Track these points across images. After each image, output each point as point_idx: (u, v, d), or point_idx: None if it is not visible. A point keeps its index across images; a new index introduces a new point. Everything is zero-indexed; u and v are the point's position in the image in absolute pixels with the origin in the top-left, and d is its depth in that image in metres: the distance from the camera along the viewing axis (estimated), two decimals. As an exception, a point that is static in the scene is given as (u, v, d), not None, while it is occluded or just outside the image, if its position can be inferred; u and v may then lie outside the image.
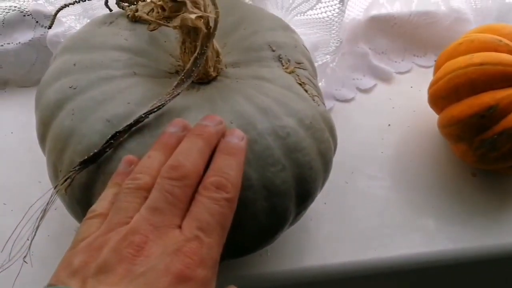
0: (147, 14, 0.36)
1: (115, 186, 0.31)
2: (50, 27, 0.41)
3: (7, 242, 0.34)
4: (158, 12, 0.35)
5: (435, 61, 0.63)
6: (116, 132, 0.33)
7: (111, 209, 0.30)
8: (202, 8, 0.35)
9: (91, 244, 0.28)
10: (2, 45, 0.55)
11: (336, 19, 0.49)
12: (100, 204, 0.31)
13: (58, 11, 0.41)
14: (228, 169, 0.31)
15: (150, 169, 0.31)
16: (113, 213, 0.29)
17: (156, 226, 0.28)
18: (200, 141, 0.32)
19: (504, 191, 0.52)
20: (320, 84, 0.57)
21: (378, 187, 0.52)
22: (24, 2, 0.54)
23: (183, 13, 0.34)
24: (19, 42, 0.55)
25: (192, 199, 0.30)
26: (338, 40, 0.51)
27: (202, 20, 0.34)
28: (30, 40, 0.55)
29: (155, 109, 0.34)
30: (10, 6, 0.54)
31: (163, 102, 0.34)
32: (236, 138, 0.32)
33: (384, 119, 0.58)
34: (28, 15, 0.55)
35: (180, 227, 0.28)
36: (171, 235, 0.27)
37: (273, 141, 0.34)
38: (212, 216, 0.28)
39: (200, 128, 0.33)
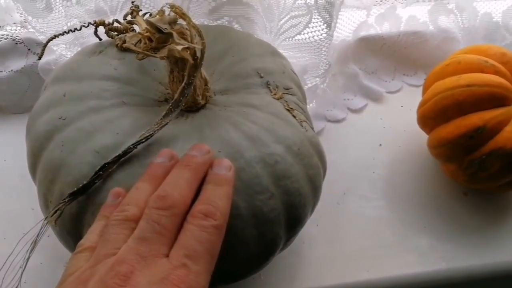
0: (135, 45, 0.36)
1: (103, 219, 0.32)
2: (40, 58, 0.41)
3: (-1, 271, 0.34)
4: (145, 43, 0.36)
5: (425, 79, 0.64)
6: (105, 163, 0.33)
7: (99, 241, 0.30)
8: (189, 39, 0.35)
9: (79, 278, 0.28)
10: (-6, 73, 0.55)
11: (324, 42, 0.50)
12: (88, 238, 0.31)
13: (48, 41, 0.42)
14: (217, 199, 0.31)
15: (137, 201, 0.31)
16: (101, 245, 0.29)
17: (143, 255, 0.28)
18: (188, 172, 0.32)
19: (496, 209, 0.53)
20: (311, 105, 0.57)
21: (370, 208, 0.52)
22: (16, 30, 0.55)
23: (170, 44, 0.35)
24: (12, 70, 0.55)
25: (180, 229, 0.30)
26: (327, 63, 0.51)
27: (189, 51, 0.34)
28: (22, 68, 0.56)
29: (144, 140, 0.34)
30: (2, 35, 0.54)
31: (151, 132, 0.34)
32: (224, 169, 0.33)
33: (376, 139, 0.58)
34: (20, 43, 0.55)
35: (167, 256, 0.28)
36: (158, 264, 0.28)
37: (261, 169, 0.35)
38: (200, 243, 0.29)
39: (188, 159, 0.33)
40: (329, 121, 0.59)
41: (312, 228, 0.49)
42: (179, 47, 0.34)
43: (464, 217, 0.52)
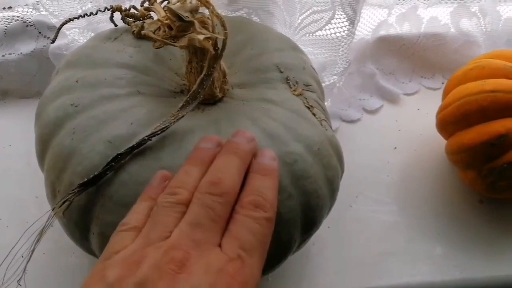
0: (154, 33, 0.35)
1: (149, 200, 0.30)
2: (53, 42, 0.40)
3: (2, 262, 0.33)
4: (165, 31, 0.34)
5: (442, 83, 0.63)
6: (118, 154, 0.32)
7: (148, 222, 0.29)
8: (210, 29, 0.34)
9: (128, 258, 0.26)
10: (3, 56, 0.54)
11: (345, 40, 0.48)
12: (134, 217, 0.30)
13: (62, 25, 0.40)
14: (264, 189, 0.30)
15: (188, 185, 0.30)
16: (150, 226, 0.28)
17: (198, 242, 0.27)
18: (236, 159, 0.31)
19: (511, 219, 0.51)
20: (326, 103, 0.56)
21: (383, 212, 0.51)
22: (27, 12, 0.53)
23: (190, 33, 0.33)
24: (21, 53, 0.54)
25: (229, 219, 0.29)
26: (347, 61, 0.50)
27: (210, 41, 0.33)
28: (32, 51, 0.54)
29: (159, 132, 0.33)
30: (13, 16, 0.53)
31: (167, 125, 0.33)
32: (269, 159, 0.32)
33: (390, 142, 0.57)
34: (31, 25, 0.54)
35: (219, 245, 0.27)
36: (213, 253, 0.26)
37: (280, 168, 0.33)
38: (253, 235, 0.28)
39: (235, 146, 0.32)
40: (343, 121, 0.58)
41: (324, 230, 0.48)
42: (201, 37, 0.32)
43: (479, 226, 0.50)
